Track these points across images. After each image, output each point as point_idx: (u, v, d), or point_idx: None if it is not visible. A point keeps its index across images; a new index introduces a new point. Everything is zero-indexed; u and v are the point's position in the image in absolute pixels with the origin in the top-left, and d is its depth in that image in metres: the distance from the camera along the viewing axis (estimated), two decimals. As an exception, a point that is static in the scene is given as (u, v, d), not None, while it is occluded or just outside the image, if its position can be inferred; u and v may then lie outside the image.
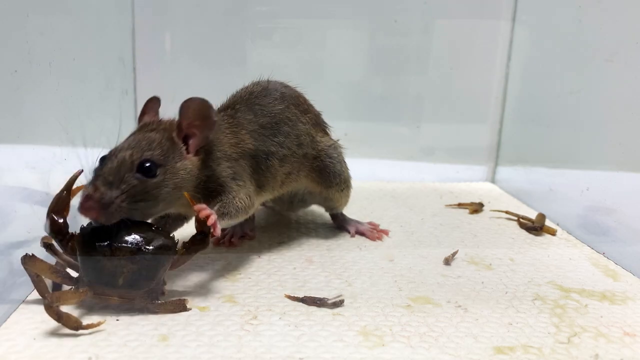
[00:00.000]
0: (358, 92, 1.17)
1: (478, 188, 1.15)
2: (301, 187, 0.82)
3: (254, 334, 0.57)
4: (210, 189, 0.68)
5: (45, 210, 0.68)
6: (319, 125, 0.84)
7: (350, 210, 0.97)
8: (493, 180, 1.20)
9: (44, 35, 0.68)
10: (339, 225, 0.89)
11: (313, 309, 0.62)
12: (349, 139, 1.17)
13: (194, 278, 0.69)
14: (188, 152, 0.65)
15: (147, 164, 0.60)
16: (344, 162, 0.85)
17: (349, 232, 0.86)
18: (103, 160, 0.61)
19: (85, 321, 0.56)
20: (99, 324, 0.56)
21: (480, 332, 0.58)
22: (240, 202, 0.69)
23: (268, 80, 0.80)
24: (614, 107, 0.84)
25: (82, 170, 0.62)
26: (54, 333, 0.55)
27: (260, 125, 0.74)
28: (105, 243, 0.58)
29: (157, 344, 0.54)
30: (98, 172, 0.60)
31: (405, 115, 1.19)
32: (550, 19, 1.02)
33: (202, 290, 0.66)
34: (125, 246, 0.59)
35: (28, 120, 0.65)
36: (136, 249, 0.59)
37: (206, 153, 0.67)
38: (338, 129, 1.17)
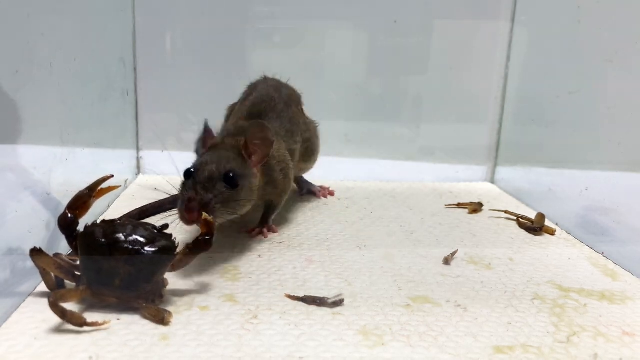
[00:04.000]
0: (358, 92, 1.17)
1: (477, 188, 1.15)
2: None
3: (254, 333, 0.57)
4: (267, 191, 0.81)
5: (45, 211, 0.68)
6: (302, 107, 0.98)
7: (350, 210, 0.97)
8: (492, 180, 1.20)
9: (45, 36, 0.68)
10: (300, 188, 1.04)
11: (313, 308, 0.62)
12: (349, 139, 1.18)
13: (195, 277, 0.69)
14: (252, 166, 0.76)
15: (231, 174, 0.70)
16: (317, 135, 1.00)
17: (314, 193, 1.04)
18: (188, 173, 0.71)
19: (88, 320, 0.57)
20: (104, 323, 0.56)
21: (480, 331, 0.59)
22: (285, 194, 0.87)
23: (274, 81, 0.94)
24: (613, 107, 0.84)
25: (112, 175, 0.67)
26: (54, 333, 0.55)
27: (286, 131, 0.89)
28: (104, 242, 0.59)
29: (157, 343, 0.54)
30: (191, 182, 0.69)
31: (405, 115, 1.19)
32: (550, 19, 1.02)
33: (203, 289, 0.66)
34: (123, 247, 0.59)
35: (28, 120, 0.65)
36: (134, 250, 0.59)
37: (265, 165, 0.79)
38: (338, 129, 1.18)
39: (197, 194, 0.67)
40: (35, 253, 0.59)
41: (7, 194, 0.61)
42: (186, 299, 0.63)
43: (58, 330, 0.56)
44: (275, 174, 0.82)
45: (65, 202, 0.69)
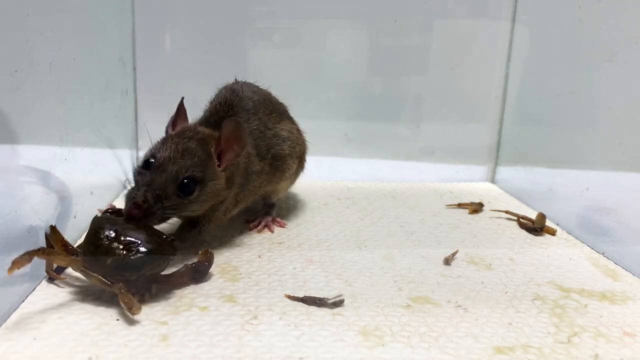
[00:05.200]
0: (358, 92, 1.17)
1: (478, 188, 1.15)
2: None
3: (254, 333, 0.57)
4: (220, 197, 0.74)
5: (45, 211, 0.68)
6: (282, 115, 0.88)
7: (350, 210, 0.97)
8: (493, 180, 1.20)
9: (44, 36, 0.68)
10: (265, 210, 0.90)
11: (313, 308, 0.62)
12: (349, 139, 1.18)
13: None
14: (219, 166, 0.71)
15: (188, 182, 0.67)
16: (298, 151, 0.88)
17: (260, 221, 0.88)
18: (147, 164, 0.68)
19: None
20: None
21: (480, 332, 0.58)
22: (229, 213, 0.78)
23: (240, 85, 0.84)
24: (614, 107, 0.84)
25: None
26: (54, 333, 0.55)
27: (251, 147, 0.79)
28: (112, 227, 0.62)
29: (157, 343, 0.54)
30: (146, 182, 0.66)
31: (405, 115, 1.19)
32: (550, 19, 1.02)
33: (202, 289, 0.66)
34: (127, 237, 0.62)
35: (28, 120, 0.64)
36: (135, 243, 0.62)
37: (227, 176, 0.73)
38: (338, 129, 1.18)
39: (145, 201, 0.65)
40: (53, 230, 0.64)
41: (7, 194, 0.61)
42: (186, 299, 0.63)
43: (58, 330, 0.55)
44: (236, 183, 0.75)
45: (65, 202, 0.69)
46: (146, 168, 0.68)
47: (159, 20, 1.09)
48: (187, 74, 1.12)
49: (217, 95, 0.83)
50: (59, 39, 0.72)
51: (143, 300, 0.61)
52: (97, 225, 0.63)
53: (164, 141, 0.71)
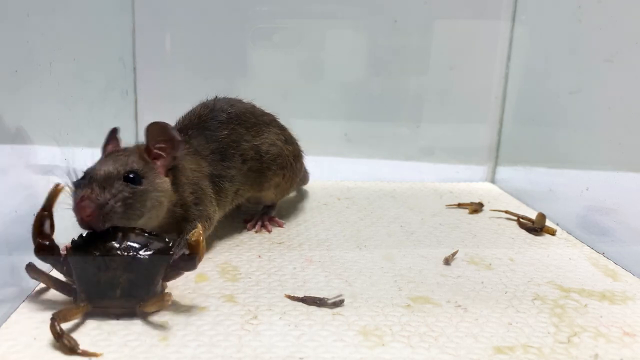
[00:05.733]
0: (358, 92, 1.17)
1: (478, 188, 1.15)
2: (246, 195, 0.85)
3: (254, 333, 0.57)
4: (176, 213, 0.71)
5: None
6: (270, 125, 0.87)
7: (350, 210, 0.97)
8: (493, 180, 1.20)
9: (45, 36, 0.68)
10: (263, 211, 0.90)
11: (313, 308, 0.62)
12: (349, 139, 1.18)
13: (194, 277, 0.69)
14: (159, 172, 0.68)
15: (132, 175, 0.63)
16: (280, 163, 0.86)
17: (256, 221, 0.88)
18: (82, 177, 0.62)
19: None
20: (95, 355, 0.52)
21: (480, 331, 0.58)
22: (210, 223, 0.75)
23: (215, 100, 0.83)
24: (614, 107, 0.84)
25: (62, 186, 0.60)
26: (54, 333, 0.55)
27: (211, 151, 0.78)
28: (98, 254, 0.58)
29: (157, 343, 0.54)
30: (90, 179, 0.61)
31: (405, 115, 1.19)
32: (550, 19, 1.02)
33: (202, 289, 0.66)
34: (119, 254, 0.58)
35: (28, 120, 0.64)
36: (130, 257, 0.58)
37: (173, 178, 0.70)
38: (338, 129, 1.18)
39: (91, 191, 0.59)
40: (29, 269, 0.59)
41: (7, 194, 0.61)
42: (186, 299, 0.63)
43: (57, 330, 0.55)
44: (185, 195, 0.72)
45: (64, 202, 0.68)
46: (81, 180, 0.63)
47: (159, 20, 1.09)
48: (187, 74, 1.12)
49: (188, 112, 0.83)
50: (59, 39, 0.72)
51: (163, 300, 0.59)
52: (78, 257, 0.59)
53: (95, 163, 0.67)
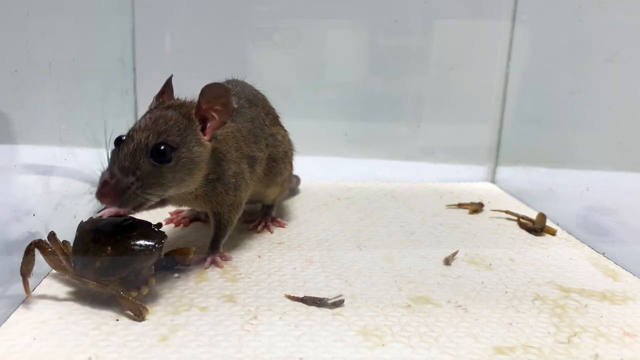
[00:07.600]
0: (358, 92, 1.17)
1: (478, 188, 1.15)
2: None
3: (254, 333, 0.57)
4: (214, 186, 0.70)
5: (45, 211, 0.68)
6: (276, 119, 0.87)
7: (350, 210, 0.97)
8: (493, 180, 1.20)
9: (44, 36, 0.68)
10: (264, 211, 0.88)
11: (313, 309, 0.62)
12: (349, 138, 1.18)
13: (194, 278, 0.69)
14: (204, 135, 0.66)
15: (162, 147, 0.61)
16: (289, 158, 0.87)
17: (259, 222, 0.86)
18: (119, 141, 0.62)
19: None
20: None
21: (480, 332, 0.58)
22: (236, 210, 0.74)
23: (234, 81, 0.81)
24: (614, 107, 0.84)
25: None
26: (53, 333, 0.55)
27: (248, 131, 0.76)
28: (96, 230, 0.62)
29: (156, 344, 0.54)
30: (114, 158, 0.61)
31: (405, 115, 1.19)
32: (550, 19, 1.02)
33: (202, 290, 0.66)
34: (112, 235, 0.61)
35: (28, 120, 0.64)
36: (119, 238, 0.61)
37: (216, 149, 0.68)
38: (338, 129, 1.18)
39: (112, 177, 0.59)
40: (51, 237, 0.63)
41: (7, 194, 0.61)
42: (185, 300, 0.63)
43: (58, 330, 0.55)
44: (227, 175, 0.70)
45: (64, 202, 0.69)
46: (117, 145, 0.62)
47: (159, 20, 1.09)
48: (187, 74, 1.11)
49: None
50: (59, 39, 0.72)
51: (141, 294, 0.61)
52: (81, 230, 0.63)
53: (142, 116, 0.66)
